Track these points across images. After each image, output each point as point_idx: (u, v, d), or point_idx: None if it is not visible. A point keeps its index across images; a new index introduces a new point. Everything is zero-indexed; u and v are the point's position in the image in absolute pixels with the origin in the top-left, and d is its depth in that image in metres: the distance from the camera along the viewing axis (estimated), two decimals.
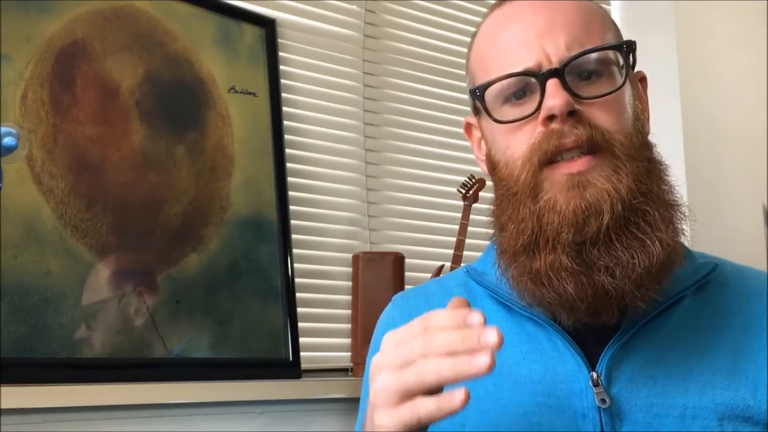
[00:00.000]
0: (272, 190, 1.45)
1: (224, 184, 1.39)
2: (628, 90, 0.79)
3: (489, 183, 0.87)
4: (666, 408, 0.73)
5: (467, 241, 1.54)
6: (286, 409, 1.32)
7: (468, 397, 0.55)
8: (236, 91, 1.44)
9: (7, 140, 0.76)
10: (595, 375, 0.75)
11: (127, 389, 1.15)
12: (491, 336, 0.55)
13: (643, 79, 0.85)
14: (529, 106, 0.76)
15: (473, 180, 1.57)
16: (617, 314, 0.74)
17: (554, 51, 0.75)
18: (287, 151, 1.50)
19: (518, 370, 0.78)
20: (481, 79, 0.81)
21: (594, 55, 0.76)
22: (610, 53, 0.77)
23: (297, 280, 1.45)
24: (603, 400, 0.74)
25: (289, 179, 1.49)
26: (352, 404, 1.35)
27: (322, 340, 1.51)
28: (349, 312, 1.51)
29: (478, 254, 0.92)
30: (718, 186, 2.06)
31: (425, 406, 0.56)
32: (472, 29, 0.88)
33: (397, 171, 1.70)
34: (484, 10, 0.86)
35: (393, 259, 1.51)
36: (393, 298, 0.92)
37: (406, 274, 1.53)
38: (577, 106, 0.74)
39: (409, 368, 0.57)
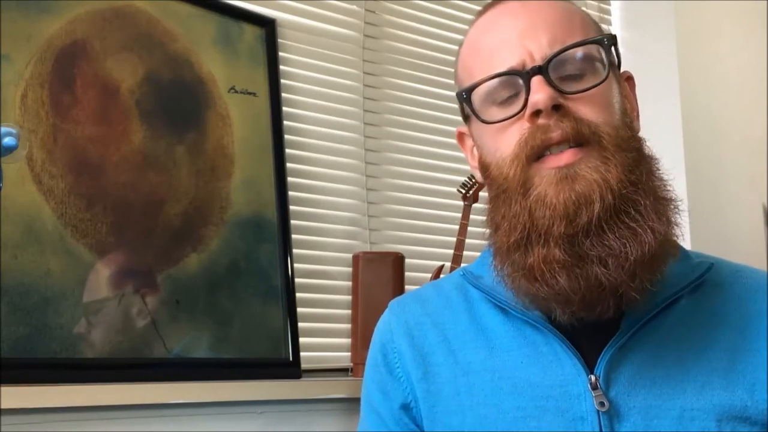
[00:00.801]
0: (272, 190, 1.45)
1: (224, 184, 1.39)
2: (613, 85, 0.79)
3: None
4: (664, 410, 0.74)
5: (467, 241, 1.54)
6: (286, 409, 1.32)
7: None
8: (236, 91, 1.44)
9: (7, 140, 0.76)
10: (593, 378, 0.75)
11: (127, 389, 1.15)
12: None
13: (629, 78, 0.85)
14: (515, 106, 0.77)
15: (473, 180, 1.57)
16: (612, 307, 0.74)
17: (537, 49, 0.76)
18: (287, 151, 1.50)
19: (516, 373, 0.78)
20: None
21: (578, 53, 0.77)
22: (594, 50, 0.78)
23: (297, 280, 1.45)
24: (602, 403, 0.74)
25: (289, 179, 1.49)
26: (352, 404, 1.36)
27: (322, 340, 1.51)
28: (349, 312, 1.52)
29: (478, 254, 0.92)
30: (718, 186, 2.06)
31: None
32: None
33: (397, 171, 1.70)
34: (480, 9, 0.86)
35: (393, 259, 1.51)
36: (389, 304, 0.92)
37: (406, 274, 1.53)
38: (562, 101, 0.75)
39: None
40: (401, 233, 1.68)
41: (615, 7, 2.16)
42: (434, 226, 1.72)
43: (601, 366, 0.75)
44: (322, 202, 1.58)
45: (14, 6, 1.21)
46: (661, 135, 1.85)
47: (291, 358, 1.37)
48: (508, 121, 0.77)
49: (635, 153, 0.75)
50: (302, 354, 1.40)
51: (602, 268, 0.71)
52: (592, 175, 0.72)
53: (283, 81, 1.53)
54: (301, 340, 1.41)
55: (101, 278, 1.21)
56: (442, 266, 1.58)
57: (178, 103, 1.36)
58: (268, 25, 1.52)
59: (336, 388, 1.36)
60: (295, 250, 1.46)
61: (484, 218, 0.81)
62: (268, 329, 1.37)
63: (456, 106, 0.87)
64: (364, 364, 0.93)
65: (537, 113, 0.75)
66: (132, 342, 1.21)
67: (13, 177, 1.15)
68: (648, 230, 0.72)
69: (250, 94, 1.46)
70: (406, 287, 1.50)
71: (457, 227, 1.56)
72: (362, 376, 0.92)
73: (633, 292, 0.72)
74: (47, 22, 1.24)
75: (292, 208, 1.48)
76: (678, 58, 2.02)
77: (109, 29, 1.31)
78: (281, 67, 1.53)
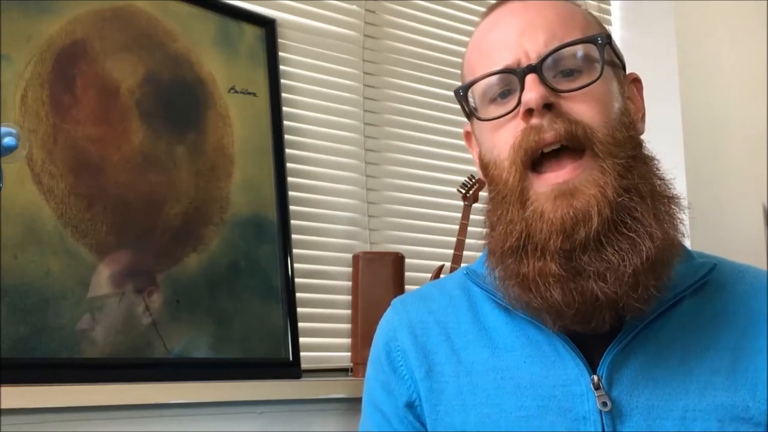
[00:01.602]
0: (272, 190, 1.45)
1: (224, 184, 1.39)
2: (611, 84, 0.79)
3: None
4: (667, 410, 0.74)
5: (467, 241, 1.54)
6: (286, 409, 1.32)
7: None
8: (236, 91, 1.44)
9: (7, 140, 0.76)
10: (596, 378, 0.75)
11: (127, 389, 1.15)
12: None
13: (636, 80, 0.85)
14: (510, 104, 0.78)
15: (473, 180, 1.57)
16: (609, 320, 0.74)
17: (533, 48, 0.77)
18: (287, 151, 1.50)
19: (519, 373, 0.78)
20: None
21: (575, 52, 0.77)
22: (591, 49, 0.78)
23: (297, 280, 1.45)
24: (604, 404, 0.74)
25: (289, 179, 1.49)
26: (352, 404, 1.36)
27: (322, 340, 1.51)
28: (349, 312, 1.51)
29: (478, 254, 0.92)
30: (718, 185, 2.06)
31: None
32: (472, 29, 0.89)
33: (397, 171, 1.70)
34: (484, 10, 0.87)
35: (393, 259, 1.51)
36: (392, 303, 0.92)
37: (406, 274, 1.53)
38: (555, 100, 0.75)
39: None
40: (401, 233, 1.68)
41: (615, 7, 2.16)
42: (434, 226, 1.72)
43: (603, 366, 0.75)
44: (322, 202, 1.57)
45: (14, 6, 1.21)
46: (661, 135, 1.85)
47: (291, 358, 1.37)
48: (503, 118, 0.78)
49: (628, 156, 0.75)
50: (302, 354, 1.40)
51: (600, 283, 0.71)
52: (590, 190, 0.72)
53: (283, 81, 1.53)
54: (301, 340, 1.41)
55: (101, 278, 1.21)
56: (442, 266, 1.58)
57: (178, 103, 1.36)
58: (268, 25, 1.52)
59: (336, 388, 1.36)
60: (295, 250, 1.46)
61: (482, 214, 0.82)
62: (268, 329, 1.37)
63: (456, 105, 0.87)
64: (364, 364, 0.93)
65: (530, 112, 0.75)
66: (132, 342, 1.21)
67: (13, 177, 1.15)
68: (646, 237, 0.72)
69: (250, 94, 1.46)
70: (406, 287, 1.50)
71: (457, 227, 1.56)
72: (362, 376, 0.91)
73: (636, 302, 0.72)
74: (47, 22, 1.24)
75: (292, 208, 1.48)
76: (678, 58, 2.02)
77: (109, 29, 1.31)
78: (281, 67, 1.53)
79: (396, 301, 0.92)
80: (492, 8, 0.85)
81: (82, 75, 1.26)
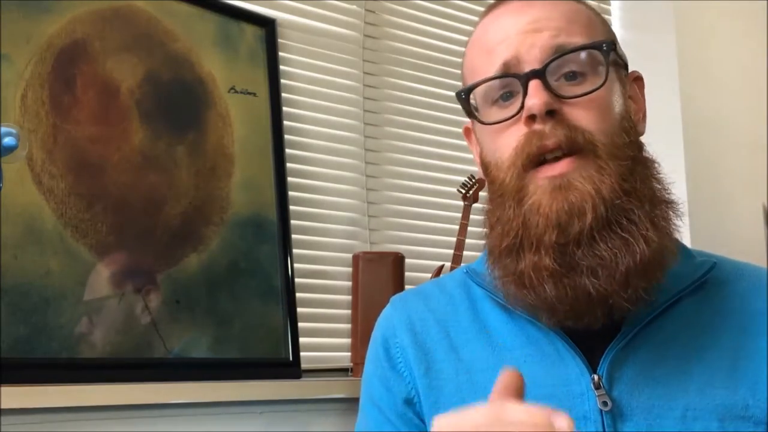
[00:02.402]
0: (272, 190, 1.45)
1: (224, 184, 1.39)
2: (614, 88, 0.79)
3: None
4: (667, 409, 0.74)
5: (467, 241, 1.54)
6: (286, 409, 1.32)
7: None
8: (236, 91, 1.44)
9: (7, 140, 0.76)
10: (596, 378, 0.75)
11: (127, 389, 1.15)
12: None
13: (638, 78, 0.85)
14: (514, 108, 0.77)
15: (473, 180, 1.57)
16: (601, 317, 0.74)
17: (538, 42, 0.76)
18: (287, 151, 1.50)
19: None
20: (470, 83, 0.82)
21: (579, 55, 0.76)
22: (595, 53, 0.77)
23: (297, 280, 1.45)
24: (605, 403, 0.74)
25: (289, 179, 1.49)
26: (352, 404, 1.35)
27: (322, 340, 1.51)
28: (349, 312, 1.51)
29: (478, 254, 0.92)
30: (718, 185, 2.06)
31: None
32: (472, 29, 0.88)
33: (397, 171, 1.70)
34: (484, 9, 0.87)
35: (393, 259, 1.51)
36: (391, 300, 0.92)
37: (406, 274, 1.53)
38: (558, 106, 0.74)
39: None
40: (401, 233, 1.68)
41: (615, 7, 2.16)
42: (434, 226, 1.72)
43: (603, 365, 0.75)
44: (322, 202, 1.57)
45: (14, 6, 1.21)
46: (661, 135, 1.85)
47: (291, 358, 1.37)
48: (506, 122, 0.77)
49: (630, 160, 0.75)
50: (302, 354, 1.40)
51: (592, 279, 0.71)
52: (586, 186, 0.72)
53: (283, 81, 1.53)
54: (301, 340, 1.41)
55: (101, 278, 1.21)
56: (442, 266, 1.58)
57: (178, 103, 1.36)
58: (268, 25, 1.52)
59: (336, 388, 1.36)
60: (295, 250, 1.46)
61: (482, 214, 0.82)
62: (268, 329, 1.37)
63: (456, 105, 0.87)
64: (364, 363, 0.92)
65: (532, 117, 0.75)
66: (132, 342, 1.21)
67: (13, 177, 1.15)
68: (641, 239, 0.72)
69: (250, 94, 1.46)
70: (406, 287, 1.50)
71: (457, 227, 1.56)
72: (362, 376, 0.91)
73: (625, 301, 0.72)
74: (47, 22, 1.24)
75: (292, 208, 1.48)
76: (678, 58, 2.02)
77: (109, 29, 1.31)
78: (281, 67, 1.53)
79: (395, 298, 0.91)
80: (491, 7, 0.84)
81: (82, 75, 1.26)
